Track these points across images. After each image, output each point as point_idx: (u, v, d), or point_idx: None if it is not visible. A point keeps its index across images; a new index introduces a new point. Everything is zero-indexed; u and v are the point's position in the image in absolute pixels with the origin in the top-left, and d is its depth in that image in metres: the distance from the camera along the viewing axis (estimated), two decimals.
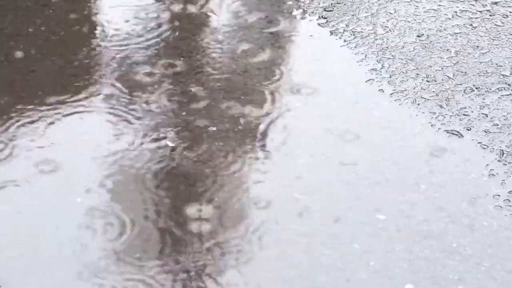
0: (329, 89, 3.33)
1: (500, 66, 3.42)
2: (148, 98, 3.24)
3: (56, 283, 2.54)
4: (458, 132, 3.10)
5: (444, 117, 3.16)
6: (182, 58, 3.46)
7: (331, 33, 3.63)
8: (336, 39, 3.59)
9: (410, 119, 3.17)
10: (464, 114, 3.18)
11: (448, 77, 3.36)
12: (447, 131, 3.11)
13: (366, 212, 2.78)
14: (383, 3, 3.79)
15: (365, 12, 3.74)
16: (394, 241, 2.67)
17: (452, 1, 3.81)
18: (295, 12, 3.76)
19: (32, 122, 3.11)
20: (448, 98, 3.25)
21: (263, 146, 3.04)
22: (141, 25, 3.65)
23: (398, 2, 3.80)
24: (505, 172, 2.92)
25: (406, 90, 3.30)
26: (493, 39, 3.57)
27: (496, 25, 3.65)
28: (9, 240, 2.68)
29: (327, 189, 2.87)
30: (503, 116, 3.17)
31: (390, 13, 3.73)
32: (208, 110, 3.19)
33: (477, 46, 3.52)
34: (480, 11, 3.74)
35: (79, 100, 3.23)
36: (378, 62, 3.44)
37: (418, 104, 3.22)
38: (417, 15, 3.72)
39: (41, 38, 3.55)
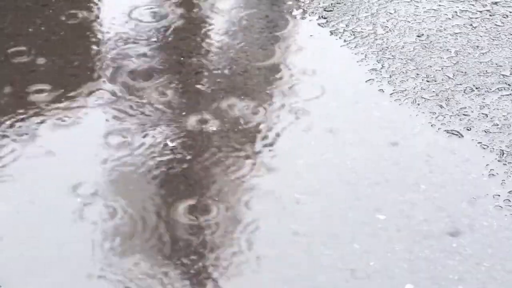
0: (329, 89, 3.33)
1: (500, 66, 3.42)
2: (148, 98, 3.24)
3: (56, 283, 2.54)
4: (458, 132, 3.10)
5: (444, 117, 3.16)
6: (182, 58, 3.46)
7: (331, 33, 3.63)
8: (336, 39, 3.59)
9: (410, 119, 3.17)
10: (464, 114, 3.18)
11: (448, 77, 3.36)
12: (447, 131, 3.11)
13: (366, 212, 2.77)
14: (383, 3, 3.79)
15: (365, 12, 3.74)
16: (394, 241, 2.67)
17: (452, 1, 3.81)
18: (295, 12, 3.76)
19: (32, 122, 3.11)
20: (448, 98, 3.25)
21: (263, 146, 3.04)
22: (141, 25, 3.65)
23: (398, 2, 3.80)
24: (505, 172, 2.92)
25: (406, 90, 3.30)
26: (493, 39, 3.57)
27: (496, 25, 3.65)
28: (9, 240, 2.68)
29: (327, 189, 2.87)
30: (503, 116, 3.17)
31: (390, 13, 3.73)
32: (208, 110, 3.19)
33: (477, 46, 3.52)
34: (480, 11, 3.74)
35: (79, 100, 3.23)
36: (378, 62, 3.44)
37: (418, 104, 3.22)
38: (417, 15, 3.72)
39: (41, 38, 3.55)
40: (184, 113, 3.17)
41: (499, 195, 2.84)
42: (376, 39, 3.57)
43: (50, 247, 2.65)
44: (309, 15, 3.73)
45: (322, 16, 3.72)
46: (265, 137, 3.07)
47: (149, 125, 3.11)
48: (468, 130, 3.11)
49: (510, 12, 3.73)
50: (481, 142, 3.05)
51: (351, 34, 3.61)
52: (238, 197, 2.83)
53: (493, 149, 3.02)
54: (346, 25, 3.66)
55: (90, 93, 3.26)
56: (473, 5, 3.77)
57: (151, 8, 3.76)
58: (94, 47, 3.51)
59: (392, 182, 2.89)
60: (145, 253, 2.63)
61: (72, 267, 2.58)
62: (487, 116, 3.17)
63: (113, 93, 3.26)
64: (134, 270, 2.58)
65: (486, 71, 3.39)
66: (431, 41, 3.55)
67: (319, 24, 3.68)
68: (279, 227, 2.72)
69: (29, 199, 2.81)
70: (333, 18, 3.71)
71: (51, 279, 2.55)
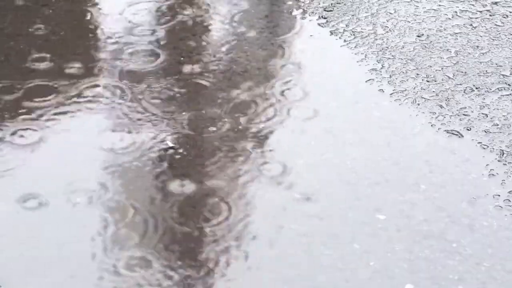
0: (329, 89, 3.33)
1: (500, 66, 3.42)
2: (148, 98, 3.24)
3: (56, 283, 2.54)
4: (458, 132, 3.10)
5: (444, 117, 3.16)
6: (182, 58, 3.46)
7: (331, 33, 3.63)
8: (336, 39, 3.59)
9: (410, 119, 3.17)
10: (464, 114, 3.18)
11: (448, 77, 3.36)
12: (447, 131, 3.11)
13: (366, 212, 2.77)
14: (383, 3, 3.79)
15: (365, 12, 3.74)
16: (394, 241, 2.67)
17: (452, 1, 3.81)
18: (295, 12, 3.76)
19: (31, 122, 3.11)
20: (448, 98, 3.25)
21: (263, 146, 3.04)
22: (141, 25, 3.65)
23: (398, 2, 3.80)
24: (505, 172, 2.92)
25: (406, 90, 3.30)
26: (493, 39, 3.57)
27: (496, 25, 3.65)
28: (9, 240, 2.68)
29: (327, 189, 2.87)
30: (503, 116, 3.17)
31: (390, 13, 3.73)
32: (208, 110, 3.19)
33: (477, 46, 3.52)
34: (480, 11, 3.74)
35: (79, 100, 3.23)
36: (378, 62, 3.44)
37: (418, 104, 3.22)
38: (417, 15, 3.72)
39: (41, 38, 3.55)
40: (184, 113, 3.17)
41: (499, 195, 2.84)
42: (376, 39, 3.57)
43: (50, 247, 2.65)
44: (309, 15, 3.73)
45: (322, 16, 3.72)
46: (265, 137, 3.07)
47: (149, 125, 3.11)
48: (468, 130, 3.11)
49: (510, 12, 3.73)
50: (481, 142, 3.05)
51: (351, 34, 3.61)
52: (238, 197, 2.83)
53: (493, 149, 3.02)
54: (346, 25, 3.66)
55: (90, 93, 3.26)
56: (473, 5, 3.77)
57: (151, 7, 3.76)
58: (94, 47, 3.51)
59: (392, 182, 2.89)
60: (145, 253, 2.63)
61: (72, 267, 2.58)
62: (487, 116, 3.17)
63: (113, 93, 3.26)
64: (134, 270, 2.58)
65: (486, 71, 3.39)
66: (431, 41, 3.55)
67: (319, 24, 3.68)
68: (279, 227, 2.72)
69: (29, 198, 2.80)
70: (333, 18, 3.71)
71: (51, 279, 2.55)
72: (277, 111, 3.20)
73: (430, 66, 3.41)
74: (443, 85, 3.32)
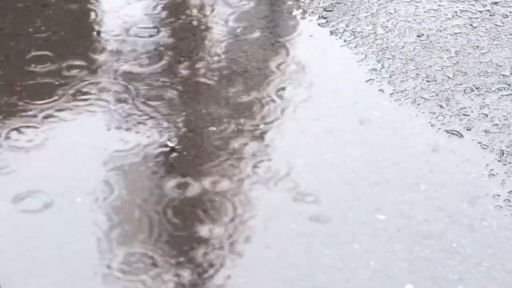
0: (329, 89, 3.33)
1: (500, 66, 3.42)
2: (148, 98, 3.24)
3: (56, 283, 2.54)
4: (458, 132, 3.10)
5: (444, 117, 3.16)
6: (182, 58, 3.46)
7: (331, 33, 3.63)
8: (336, 39, 3.59)
9: (410, 119, 3.16)
10: (464, 114, 3.18)
11: (448, 77, 3.36)
12: (447, 131, 3.11)
13: (366, 212, 2.77)
14: (383, 3, 3.79)
15: (365, 12, 3.74)
16: (394, 241, 2.67)
17: (452, 1, 3.81)
18: (295, 12, 3.76)
19: (31, 122, 3.11)
20: (448, 98, 3.25)
21: (263, 146, 3.04)
22: (141, 25, 3.65)
23: (398, 2, 3.80)
24: (505, 172, 2.92)
25: (406, 90, 3.30)
26: (493, 39, 3.57)
27: (496, 25, 3.65)
28: (9, 240, 2.68)
29: (327, 189, 2.87)
30: (503, 116, 3.17)
31: (390, 13, 3.73)
32: (208, 110, 3.19)
33: (477, 46, 3.52)
34: (480, 11, 3.74)
35: (79, 100, 3.23)
36: (378, 62, 3.44)
37: (418, 104, 3.22)
38: (417, 15, 3.72)
39: (41, 38, 3.55)
40: (184, 113, 3.17)
41: (499, 195, 2.84)
42: (376, 39, 3.57)
43: (50, 247, 2.65)
44: (309, 15, 3.73)
45: (322, 16, 3.72)
46: (265, 137, 3.07)
47: (149, 125, 3.11)
48: (468, 130, 3.11)
49: (510, 12, 3.73)
50: (481, 142, 3.05)
51: (351, 34, 3.61)
52: (238, 197, 2.83)
53: (493, 149, 3.02)
54: (346, 25, 3.66)
55: (90, 93, 3.26)
56: (473, 5, 3.77)
57: (151, 8, 3.76)
58: (94, 47, 3.51)
59: (392, 182, 2.89)
60: (145, 253, 2.63)
61: (72, 267, 2.58)
62: (487, 116, 3.17)
63: (113, 93, 3.26)
64: (134, 270, 2.58)
65: (486, 71, 3.39)
66: (431, 41, 3.55)
67: (319, 24, 3.68)
68: (279, 227, 2.72)
69: (29, 199, 2.80)
70: (333, 18, 3.71)
71: (51, 279, 2.55)
72: (277, 111, 3.20)
73: (430, 66, 3.41)
74: (443, 85, 3.32)
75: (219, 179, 2.89)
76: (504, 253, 2.64)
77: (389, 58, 3.46)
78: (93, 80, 3.33)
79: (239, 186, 2.87)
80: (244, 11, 3.76)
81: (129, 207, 2.79)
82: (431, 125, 3.13)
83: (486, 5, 3.77)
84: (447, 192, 2.85)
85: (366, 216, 2.76)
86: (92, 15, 3.71)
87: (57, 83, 3.30)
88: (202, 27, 3.67)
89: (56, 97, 3.23)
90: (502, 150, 3.01)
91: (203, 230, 2.70)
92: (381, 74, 3.37)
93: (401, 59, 3.46)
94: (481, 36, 3.58)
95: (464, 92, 3.28)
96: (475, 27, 3.64)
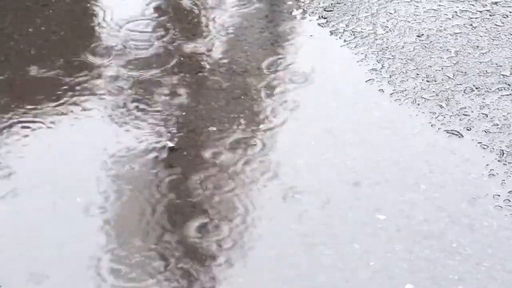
0: (329, 89, 3.33)
1: (500, 66, 3.42)
2: (148, 98, 3.24)
3: (56, 283, 2.54)
4: (458, 132, 3.10)
5: (444, 117, 3.16)
6: (182, 59, 3.46)
7: (331, 33, 3.63)
8: (336, 39, 3.59)
9: (410, 119, 3.16)
10: (464, 114, 3.18)
11: (448, 77, 3.36)
12: (447, 131, 3.11)
13: (366, 212, 2.77)
14: (383, 3, 3.79)
15: (365, 12, 3.74)
16: (394, 241, 2.67)
17: (452, 1, 3.81)
18: (295, 12, 3.76)
19: (31, 122, 3.11)
20: (448, 98, 3.25)
21: (263, 146, 3.04)
22: (141, 26, 3.65)
23: (398, 2, 3.80)
24: (505, 172, 2.92)
25: (406, 90, 3.30)
26: (493, 39, 3.57)
27: (496, 25, 3.65)
28: (9, 240, 2.68)
29: (327, 189, 2.87)
30: (503, 116, 3.17)
31: (390, 13, 3.73)
32: (208, 110, 3.19)
33: (477, 46, 3.52)
34: (480, 11, 3.74)
35: (79, 100, 3.23)
36: (378, 62, 3.44)
37: (418, 104, 3.22)
38: (417, 15, 3.72)
39: (41, 38, 3.55)
40: (184, 113, 3.17)
41: (499, 195, 2.84)
42: (376, 39, 3.57)
43: (50, 247, 2.65)
44: (309, 15, 3.73)
45: (322, 16, 3.72)
46: (265, 137, 3.07)
47: (149, 125, 3.11)
48: (468, 130, 3.11)
49: (510, 12, 3.73)
50: (481, 142, 3.05)
51: (351, 34, 3.61)
52: (238, 197, 2.83)
53: (493, 149, 3.02)
54: (346, 25, 3.66)
55: (90, 93, 3.26)
56: (473, 5, 3.77)
57: (151, 8, 3.76)
58: (94, 47, 3.51)
59: (392, 182, 2.89)
60: (145, 253, 2.63)
61: (72, 267, 2.58)
62: (487, 116, 3.17)
63: (113, 93, 3.26)
64: (134, 270, 2.58)
65: (486, 71, 3.39)
66: (431, 41, 3.55)
67: (319, 24, 3.68)
68: (279, 227, 2.72)
69: (29, 198, 2.81)
70: (333, 18, 3.71)
71: (51, 279, 2.55)
72: (277, 111, 3.20)
73: (430, 66, 3.41)
74: (443, 85, 3.32)
75: (219, 179, 2.89)
76: (504, 253, 2.64)
77: (389, 58, 3.46)
78: (93, 80, 3.33)
79: (239, 186, 2.87)
80: (244, 11, 3.76)
81: (129, 207, 2.79)
82: (431, 125, 3.13)
83: (486, 5, 3.77)
84: (447, 192, 2.85)
85: (366, 216, 2.76)
86: (92, 15, 3.71)
87: (57, 83, 3.30)
88: (202, 27, 3.67)
89: (56, 97, 3.23)
90: (502, 150, 3.01)
91: (203, 230, 2.70)
92: (381, 74, 3.37)
93: (401, 59, 3.46)
94: (481, 36, 3.58)
95: (464, 92, 3.28)
96: (475, 27, 3.64)
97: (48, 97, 3.23)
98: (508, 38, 3.57)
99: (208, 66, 3.42)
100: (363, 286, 2.54)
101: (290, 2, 3.81)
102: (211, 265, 2.60)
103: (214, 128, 3.10)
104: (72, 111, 3.17)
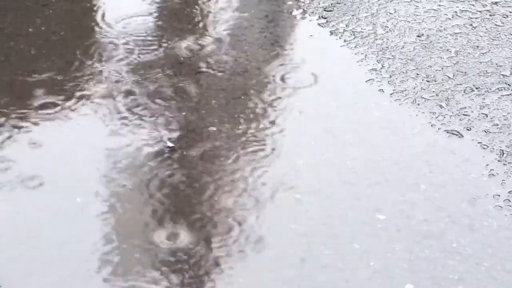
0: (329, 89, 3.33)
1: (500, 66, 3.42)
2: (148, 98, 3.24)
3: (56, 283, 2.54)
4: (458, 132, 3.10)
5: (444, 117, 3.16)
6: (182, 59, 3.46)
7: (331, 33, 3.63)
8: (336, 39, 3.59)
9: (410, 119, 3.17)
10: (464, 114, 3.18)
11: (448, 77, 3.36)
12: (447, 131, 3.11)
13: (366, 212, 2.77)
14: (383, 3, 3.79)
15: (365, 12, 3.74)
16: (394, 241, 2.67)
17: (452, 1, 3.81)
18: (295, 12, 3.76)
19: (31, 122, 3.11)
20: (448, 98, 3.25)
21: (263, 146, 3.04)
22: (141, 26, 3.65)
23: (398, 2, 3.80)
24: (505, 172, 2.92)
25: (406, 90, 3.30)
26: (493, 39, 3.57)
27: (496, 25, 3.65)
28: (9, 240, 2.68)
29: (327, 189, 2.87)
30: (503, 116, 3.17)
31: (390, 13, 3.73)
32: (208, 110, 3.19)
33: (477, 46, 3.52)
34: (480, 11, 3.74)
35: (79, 100, 3.23)
36: (378, 62, 3.44)
37: (418, 104, 3.22)
38: (417, 15, 3.72)
39: (41, 38, 3.55)
40: (184, 113, 3.17)
41: (499, 195, 2.84)
42: (376, 39, 3.57)
43: (50, 247, 2.64)
44: (309, 15, 3.73)
45: (322, 16, 3.72)
46: (265, 137, 3.07)
47: (148, 125, 3.11)
48: (468, 130, 3.11)
49: (510, 12, 3.73)
50: (481, 142, 3.05)
51: (351, 34, 3.61)
52: (238, 197, 2.83)
53: (493, 149, 3.02)
54: (346, 25, 3.66)
55: (90, 93, 3.26)
56: (473, 5, 3.77)
57: (151, 8, 3.76)
58: (94, 47, 3.51)
59: (392, 182, 2.89)
60: (145, 253, 2.63)
61: (72, 267, 2.58)
62: (487, 116, 3.17)
63: (113, 93, 3.26)
64: (134, 269, 2.58)
65: (486, 71, 3.39)
66: (431, 41, 3.55)
67: (319, 24, 3.68)
68: (279, 227, 2.72)
69: (29, 198, 2.81)
70: (333, 18, 3.71)
71: (51, 279, 2.55)
72: (277, 111, 3.20)
73: (430, 66, 3.41)
74: (443, 85, 3.32)
75: (218, 179, 2.89)
76: (504, 253, 2.64)
77: (389, 58, 3.46)
78: (93, 80, 3.33)
79: (239, 186, 2.87)
80: (244, 11, 3.76)
81: (129, 207, 2.79)
82: (431, 125, 3.13)
83: (486, 5, 3.77)
84: (447, 192, 2.85)
85: (366, 216, 2.76)
86: (92, 15, 3.71)
87: (57, 83, 3.30)
88: (202, 27, 3.67)
89: (56, 97, 3.23)
90: (502, 150, 3.01)
91: (203, 230, 2.70)
92: (381, 74, 3.37)
93: (401, 59, 3.46)
94: (481, 36, 3.58)
95: (464, 92, 3.28)
96: (475, 27, 3.64)
97: (48, 97, 3.23)
98: (508, 38, 3.57)
99: (208, 66, 3.42)
100: (363, 286, 2.54)
101: (290, 2, 3.81)
102: (210, 265, 2.60)
103: (214, 128, 3.10)
104: (72, 111, 3.17)
